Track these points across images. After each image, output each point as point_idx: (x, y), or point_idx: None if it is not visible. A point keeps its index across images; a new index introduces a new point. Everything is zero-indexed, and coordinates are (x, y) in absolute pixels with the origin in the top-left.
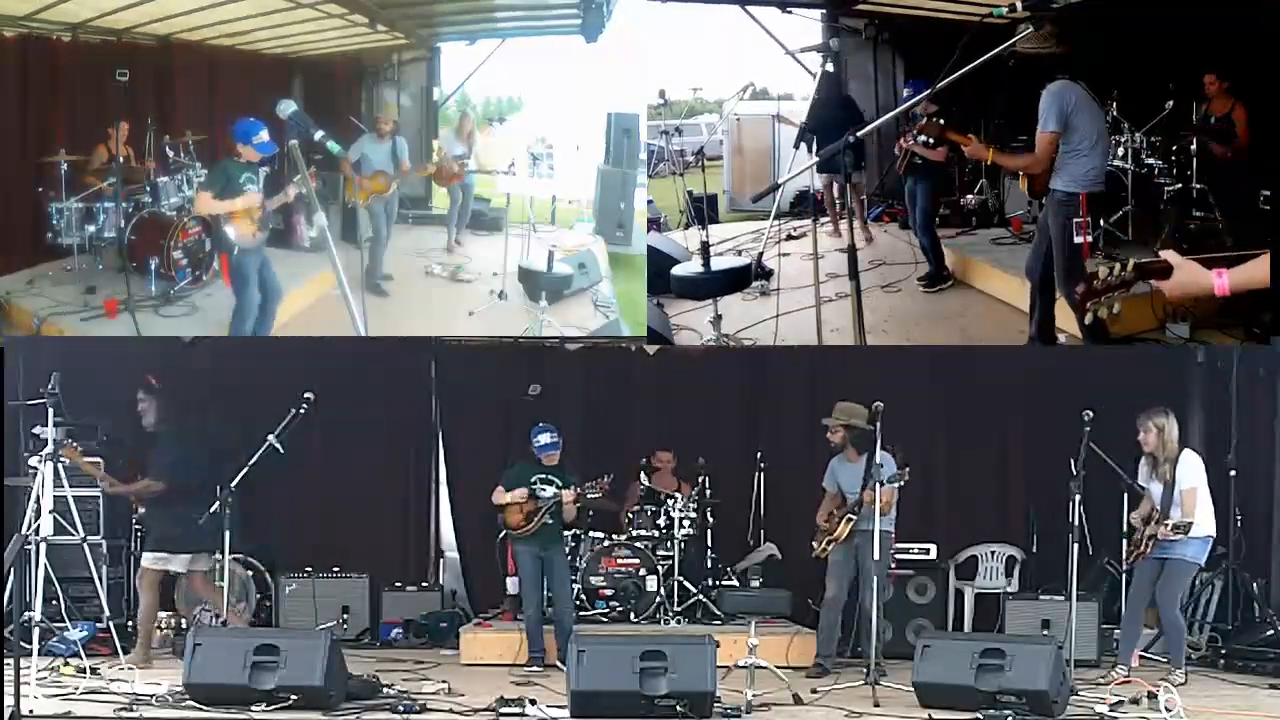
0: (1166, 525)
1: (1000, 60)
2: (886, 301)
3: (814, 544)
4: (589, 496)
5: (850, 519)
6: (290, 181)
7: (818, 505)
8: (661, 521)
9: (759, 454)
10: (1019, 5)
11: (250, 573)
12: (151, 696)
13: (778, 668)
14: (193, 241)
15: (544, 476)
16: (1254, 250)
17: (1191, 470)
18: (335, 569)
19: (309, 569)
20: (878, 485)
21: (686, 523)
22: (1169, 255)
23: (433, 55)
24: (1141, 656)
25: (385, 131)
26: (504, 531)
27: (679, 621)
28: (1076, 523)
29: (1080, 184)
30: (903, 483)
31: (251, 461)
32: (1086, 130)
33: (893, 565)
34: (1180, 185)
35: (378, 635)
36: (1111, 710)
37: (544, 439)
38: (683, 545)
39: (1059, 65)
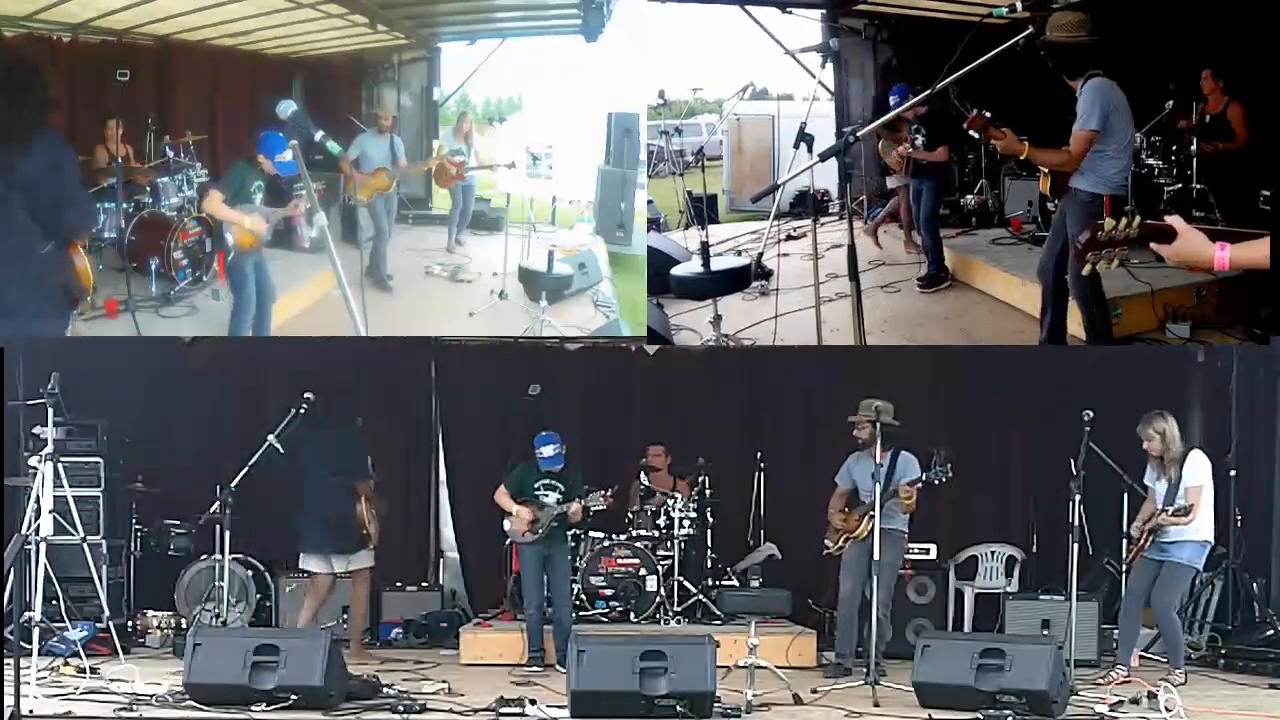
0: (1167, 512)
1: (996, 60)
2: (886, 301)
3: (827, 541)
4: (593, 510)
5: (872, 516)
6: (297, 194)
7: (826, 507)
8: (661, 521)
9: (759, 454)
10: (1019, 5)
11: (250, 573)
12: (151, 696)
13: (778, 668)
14: (193, 242)
15: (547, 481)
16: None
17: (1198, 469)
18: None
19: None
20: (877, 485)
21: (686, 523)
22: (1174, 221)
23: (433, 55)
24: (1141, 656)
25: (385, 127)
26: (509, 539)
27: (679, 621)
28: (1076, 523)
29: (1106, 186)
30: (942, 480)
31: (252, 461)
32: (1121, 131)
33: (906, 565)
34: (1180, 185)
35: (378, 635)
36: (1111, 710)
37: (547, 451)
38: (683, 545)
39: (1090, 56)
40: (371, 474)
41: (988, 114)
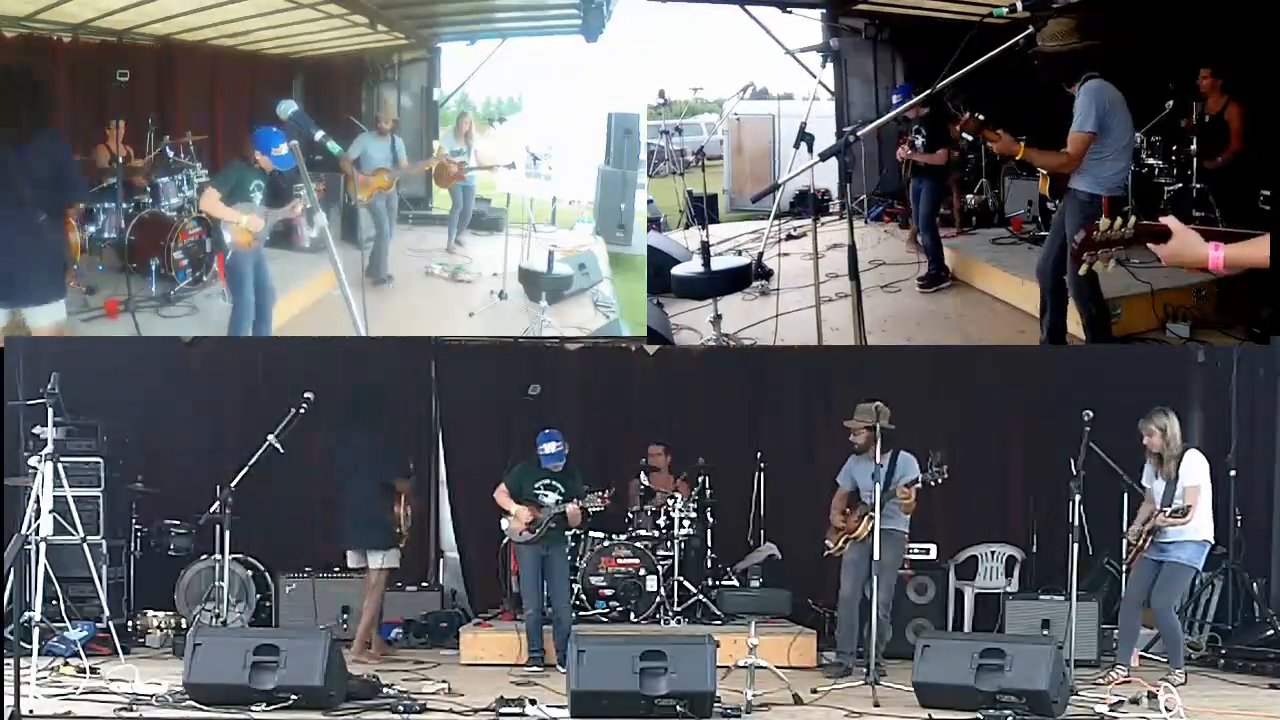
0: (1165, 512)
1: (996, 60)
2: (886, 301)
3: (828, 542)
4: (591, 511)
5: (872, 517)
6: (296, 193)
7: (826, 507)
8: (661, 521)
9: (759, 454)
10: (1019, 5)
11: (250, 573)
12: (151, 696)
13: (778, 668)
14: (193, 242)
15: (546, 482)
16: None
17: (1195, 469)
18: (335, 569)
19: (309, 569)
20: (877, 486)
21: (686, 523)
22: (1169, 221)
23: (433, 55)
24: (1142, 656)
25: (385, 129)
26: (506, 539)
27: (679, 621)
28: (1076, 523)
29: (1104, 186)
30: (938, 481)
31: (252, 461)
32: (1119, 132)
33: (906, 565)
34: (1180, 185)
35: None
36: (1111, 710)
37: (549, 448)
38: (683, 545)
39: (1083, 62)
40: (411, 472)
41: (980, 116)
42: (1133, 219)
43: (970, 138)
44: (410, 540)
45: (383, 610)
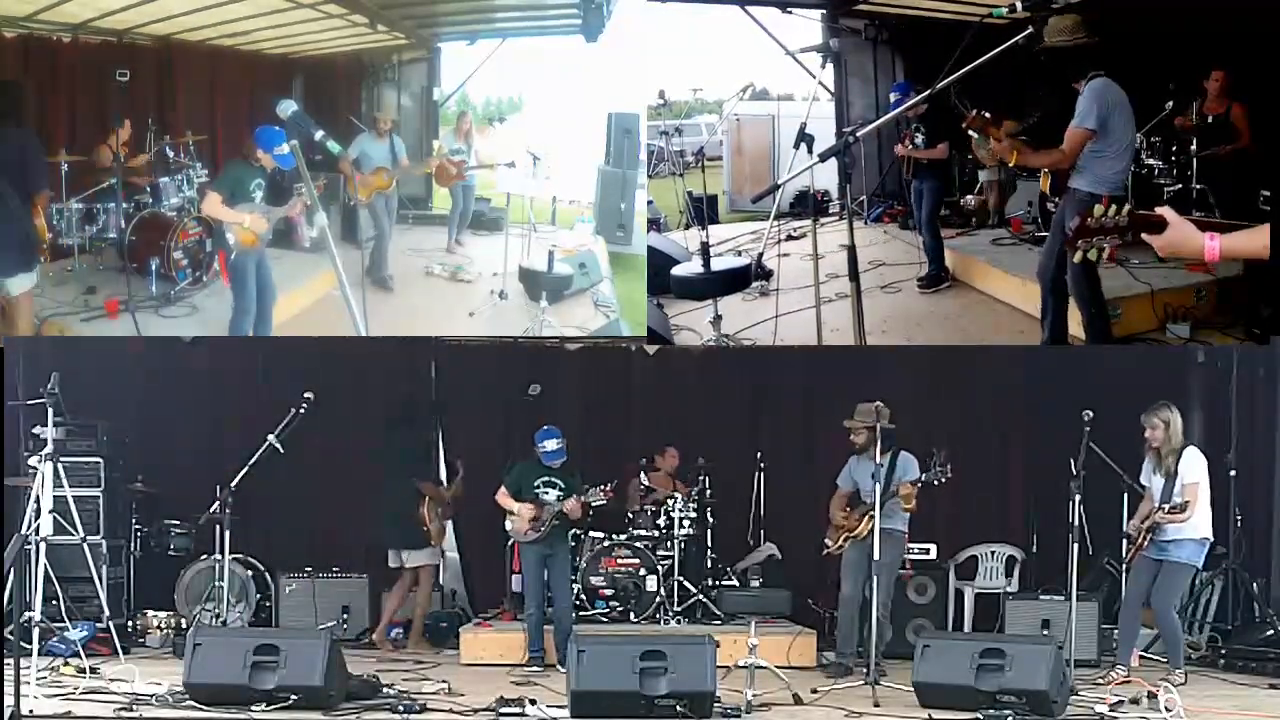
0: (1164, 508)
1: (997, 60)
2: (886, 301)
3: (828, 540)
4: (593, 504)
5: (872, 516)
6: (297, 192)
7: (825, 507)
8: (661, 521)
9: (759, 454)
10: (1019, 5)
11: (250, 573)
12: (151, 696)
13: (778, 668)
14: (193, 242)
15: (546, 479)
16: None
17: (1194, 466)
18: (335, 569)
19: (309, 569)
20: (877, 486)
21: (686, 523)
22: (1165, 212)
23: (433, 55)
24: (1142, 656)
25: (384, 130)
26: (510, 539)
27: (679, 621)
28: (1076, 523)
29: (1105, 186)
30: (941, 480)
31: (252, 461)
32: (1120, 132)
33: (906, 565)
34: (1180, 185)
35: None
36: (1111, 710)
37: (549, 445)
38: (683, 545)
39: (1087, 59)
40: (458, 470)
41: (987, 114)
42: (1128, 206)
43: (975, 135)
44: (439, 541)
45: (382, 610)
